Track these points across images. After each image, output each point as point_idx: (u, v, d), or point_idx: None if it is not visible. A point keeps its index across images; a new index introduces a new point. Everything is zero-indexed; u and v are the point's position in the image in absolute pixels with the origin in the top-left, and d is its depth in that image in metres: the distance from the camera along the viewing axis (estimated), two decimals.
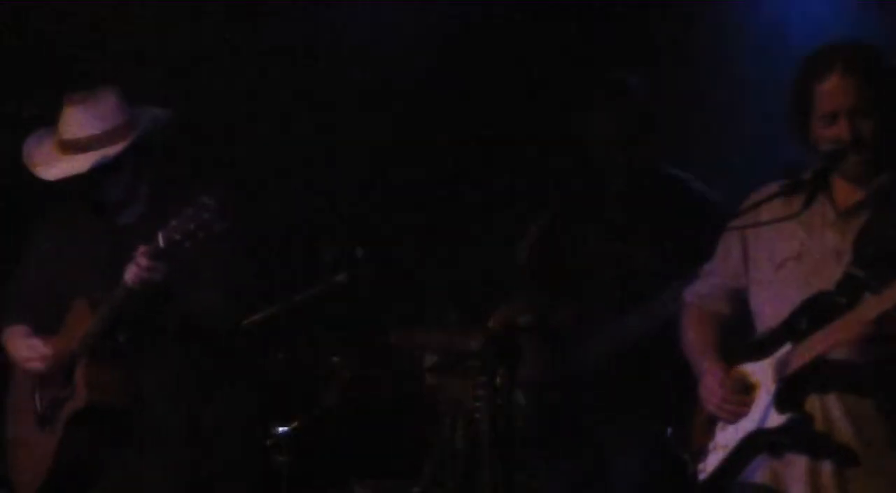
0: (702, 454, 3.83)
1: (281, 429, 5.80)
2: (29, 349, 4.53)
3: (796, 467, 3.65)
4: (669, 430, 3.97)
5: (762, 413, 3.66)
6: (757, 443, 3.69)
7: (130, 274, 4.23)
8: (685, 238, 4.51)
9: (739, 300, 3.92)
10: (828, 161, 3.65)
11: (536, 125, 6.13)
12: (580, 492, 4.82)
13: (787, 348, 3.64)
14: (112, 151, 4.38)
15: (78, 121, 4.42)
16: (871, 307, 3.46)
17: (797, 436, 3.62)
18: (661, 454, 4.10)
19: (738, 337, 3.90)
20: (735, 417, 3.74)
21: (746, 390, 3.73)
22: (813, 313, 3.60)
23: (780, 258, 3.75)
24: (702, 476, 3.82)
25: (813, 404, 3.62)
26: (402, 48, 6.35)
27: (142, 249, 4.21)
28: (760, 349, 3.72)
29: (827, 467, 3.61)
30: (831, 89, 3.62)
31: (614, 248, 4.77)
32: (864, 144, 3.62)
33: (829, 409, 3.62)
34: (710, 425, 3.83)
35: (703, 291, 4.02)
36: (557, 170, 5.48)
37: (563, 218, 4.98)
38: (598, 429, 4.77)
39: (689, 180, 4.86)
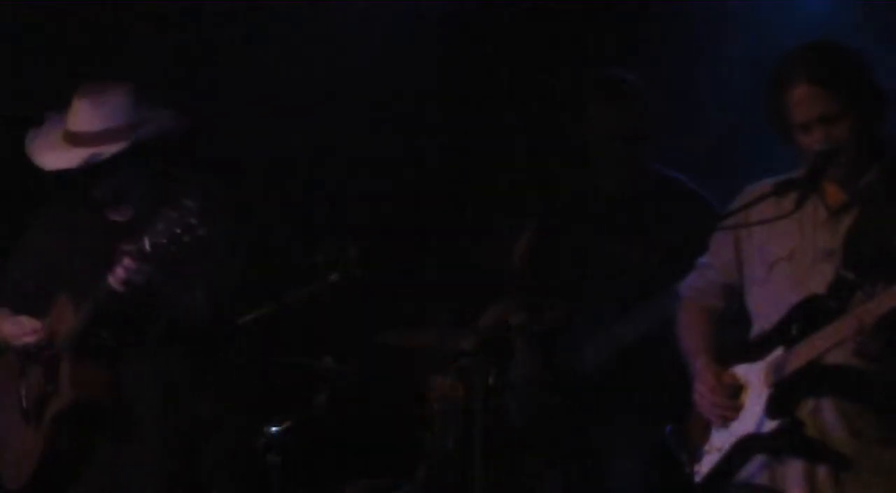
0: (697, 455, 3.82)
1: (273, 429, 5.80)
2: (14, 325, 4.50)
3: (793, 468, 3.65)
4: (669, 428, 3.96)
5: (755, 417, 3.66)
6: (750, 446, 3.69)
7: (114, 276, 4.21)
8: (682, 238, 4.49)
9: (734, 294, 3.92)
10: (820, 161, 3.63)
11: (535, 124, 6.12)
12: None
13: (778, 352, 3.63)
14: (107, 150, 4.36)
15: (83, 114, 4.42)
16: (866, 312, 3.45)
17: (790, 441, 3.62)
18: (661, 455, 4.08)
19: (735, 333, 3.89)
20: (725, 420, 3.74)
21: (738, 393, 3.72)
22: (804, 318, 3.60)
23: (772, 258, 3.76)
24: (697, 478, 3.82)
25: (806, 407, 3.62)
26: (401, 48, 6.35)
27: (125, 250, 4.18)
28: (753, 352, 3.72)
29: (823, 469, 3.62)
30: (800, 99, 3.62)
31: (612, 248, 4.75)
32: (841, 149, 3.61)
33: (822, 411, 3.62)
34: (707, 426, 3.82)
35: (698, 284, 4.02)
36: (555, 169, 5.47)
37: (559, 218, 4.96)
38: (596, 430, 4.75)
39: (684, 181, 4.85)
